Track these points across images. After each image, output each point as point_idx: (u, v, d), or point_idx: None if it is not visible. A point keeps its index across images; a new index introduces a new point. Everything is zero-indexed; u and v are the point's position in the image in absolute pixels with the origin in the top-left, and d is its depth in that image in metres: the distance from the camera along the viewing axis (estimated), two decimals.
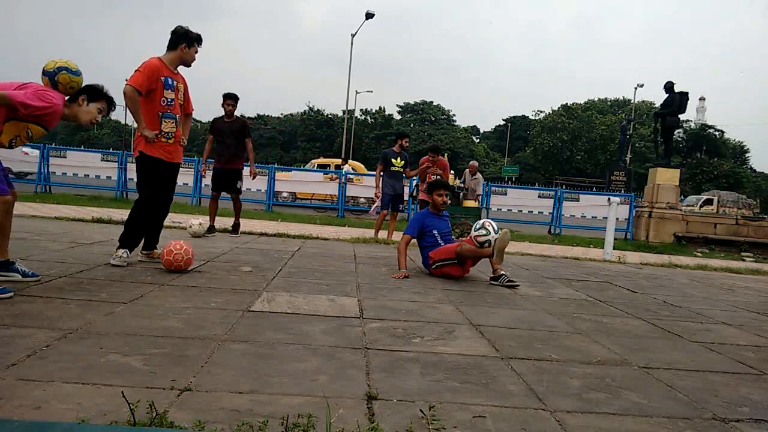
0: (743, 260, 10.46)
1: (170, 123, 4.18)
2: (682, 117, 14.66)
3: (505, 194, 15.37)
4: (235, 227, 6.91)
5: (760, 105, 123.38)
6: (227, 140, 6.65)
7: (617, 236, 10.29)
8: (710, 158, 48.70)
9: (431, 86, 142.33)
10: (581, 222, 15.07)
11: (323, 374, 2.09)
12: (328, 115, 62.42)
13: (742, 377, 2.53)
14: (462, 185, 11.83)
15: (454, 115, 68.05)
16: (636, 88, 40.78)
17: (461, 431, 1.69)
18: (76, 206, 9.66)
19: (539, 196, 15.61)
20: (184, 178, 12.66)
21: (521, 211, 15.32)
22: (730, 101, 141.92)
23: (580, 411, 1.93)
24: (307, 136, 59.86)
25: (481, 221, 4.88)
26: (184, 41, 4.17)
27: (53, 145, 15.52)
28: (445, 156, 9.92)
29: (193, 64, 4.31)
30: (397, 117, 65.56)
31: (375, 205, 8.00)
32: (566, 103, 58.28)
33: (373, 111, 62.89)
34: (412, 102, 66.54)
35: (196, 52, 4.27)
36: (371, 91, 73.16)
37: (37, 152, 13.01)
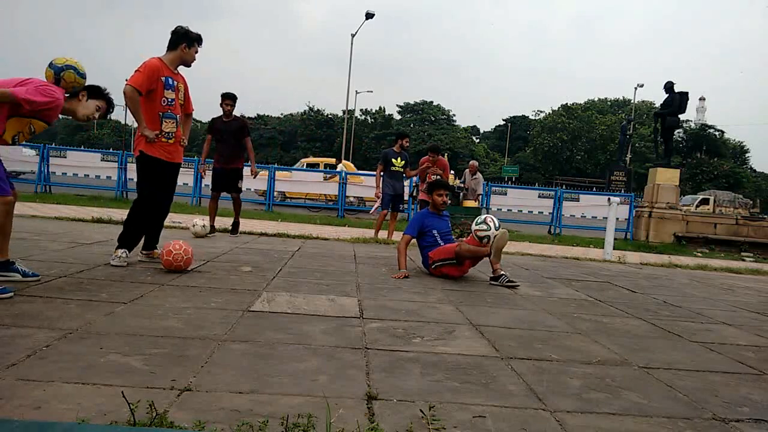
0: (743, 260, 10.45)
1: (171, 123, 4.18)
2: (682, 117, 14.67)
3: (505, 194, 15.38)
4: (235, 226, 6.91)
5: (760, 105, 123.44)
6: (227, 140, 6.65)
7: (617, 236, 10.30)
8: (710, 158, 48.69)
9: (431, 86, 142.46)
10: (581, 222, 15.07)
11: (323, 374, 2.09)
12: (328, 115, 62.39)
13: (742, 377, 2.53)
14: (462, 185, 11.83)
15: (454, 115, 68.13)
16: (636, 88, 40.88)
17: (461, 431, 1.69)
18: (76, 206, 9.66)
19: (539, 196, 15.61)
20: (184, 178, 12.65)
21: (521, 211, 15.32)
22: (730, 101, 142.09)
23: (580, 411, 1.93)
24: (307, 136, 59.82)
25: (483, 216, 4.89)
26: (185, 41, 4.18)
27: (53, 145, 15.53)
28: (445, 156, 9.92)
29: (193, 64, 4.31)
30: (397, 117, 65.53)
31: (376, 205, 8.00)
32: (566, 103, 58.28)
33: (373, 111, 62.85)
34: (412, 102, 66.53)
35: (197, 52, 4.27)
36: (371, 91, 73.34)
37: (32, 152, 12.99)
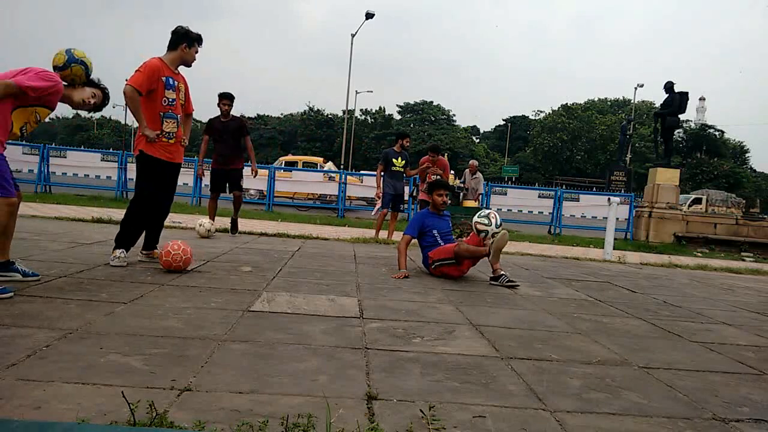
0: (743, 260, 10.45)
1: (171, 123, 4.18)
2: (682, 117, 14.67)
3: (505, 194, 15.37)
4: (234, 225, 6.90)
5: (760, 105, 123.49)
6: (225, 140, 6.63)
7: (617, 236, 10.30)
8: (710, 158, 48.70)
9: (431, 86, 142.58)
10: (581, 222, 15.07)
11: (323, 374, 2.09)
12: (328, 115, 62.40)
13: (742, 377, 2.53)
14: (462, 185, 11.84)
15: (454, 115, 68.11)
16: (636, 88, 40.87)
17: (461, 431, 1.69)
18: (76, 206, 9.66)
19: (539, 196, 15.61)
20: (184, 178, 12.63)
21: (521, 211, 15.32)
22: (730, 101, 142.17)
23: (580, 411, 1.93)
24: (307, 136, 59.82)
25: (487, 211, 4.89)
26: (185, 41, 4.18)
27: (53, 145, 15.52)
28: (445, 156, 9.92)
29: (193, 64, 4.31)
30: (397, 117, 65.52)
31: (377, 206, 8.00)
32: (566, 103, 58.29)
33: (373, 111, 62.86)
34: (412, 102, 66.51)
35: (197, 52, 4.27)
36: (371, 91, 73.22)
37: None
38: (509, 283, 4.54)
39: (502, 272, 4.63)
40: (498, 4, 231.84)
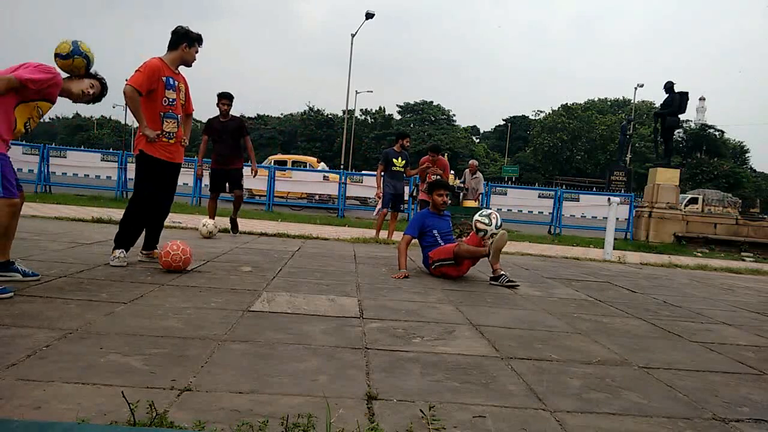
0: (743, 260, 10.45)
1: (172, 123, 4.18)
2: (682, 117, 14.67)
3: (505, 194, 15.37)
4: (234, 224, 6.90)
5: (760, 105, 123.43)
6: (225, 140, 6.63)
7: (617, 236, 10.29)
8: (710, 158, 48.69)
9: (431, 86, 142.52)
10: (581, 222, 15.07)
11: (323, 374, 2.09)
12: (328, 115, 62.41)
13: (742, 377, 2.53)
14: (462, 185, 11.84)
15: (454, 115, 68.11)
16: (636, 88, 40.87)
17: (461, 431, 1.69)
18: (76, 206, 9.66)
19: (539, 196, 15.61)
20: (184, 178, 12.61)
21: (521, 211, 15.32)
22: (730, 101, 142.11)
23: (580, 411, 1.93)
24: (307, 136, 59.83)
25: (489, 210, 4.91)
26: (185, 41, 4.18)
27: (53, 145, 15.52)
28: (445, 156, 9.93)
29: (193, 64, 4.31)
30: (397, 117, 65.53)
31: (378, 206, 8.01)
32: (566, 103, 58.29)
33: (373, 111, 62.86)
34: (412, 102, 66.53)
35: (197, 52, 4.27)
36: (371, 91, 73.24)
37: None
38: (509, 283, 4.54)
39: (502, 272, 4.63)
40: (498, 4, 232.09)
